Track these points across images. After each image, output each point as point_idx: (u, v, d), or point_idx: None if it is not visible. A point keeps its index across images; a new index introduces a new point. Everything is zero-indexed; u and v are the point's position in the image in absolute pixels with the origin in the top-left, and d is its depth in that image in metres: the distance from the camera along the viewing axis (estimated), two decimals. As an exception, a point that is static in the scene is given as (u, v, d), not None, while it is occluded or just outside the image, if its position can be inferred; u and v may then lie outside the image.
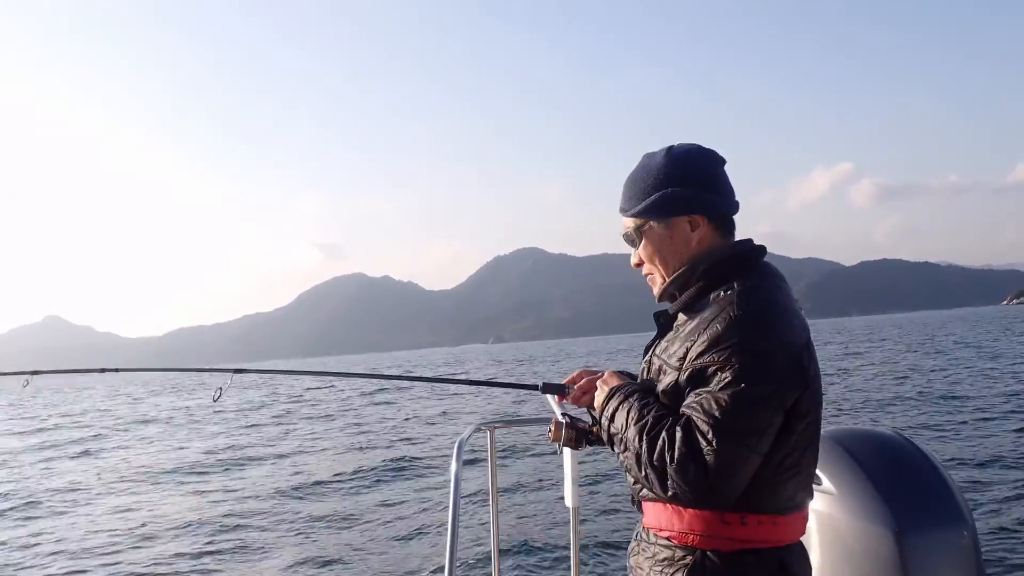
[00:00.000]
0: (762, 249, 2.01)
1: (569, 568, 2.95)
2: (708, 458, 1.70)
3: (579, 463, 2.93)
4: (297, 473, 11.40)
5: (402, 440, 13.37)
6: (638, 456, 1.81)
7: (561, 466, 2.93)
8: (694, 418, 1.74)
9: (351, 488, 10.02)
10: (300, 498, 9.96)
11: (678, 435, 1.74)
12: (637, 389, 1.98)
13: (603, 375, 2.15)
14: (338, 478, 10.88)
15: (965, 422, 14.37)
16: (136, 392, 55.47)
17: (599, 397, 2.06)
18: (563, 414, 2.33)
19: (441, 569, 2.60)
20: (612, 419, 1.95)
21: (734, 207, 2.04)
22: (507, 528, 8.00)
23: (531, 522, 8.34)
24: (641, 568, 1.98)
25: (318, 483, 10.70)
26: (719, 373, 1.75)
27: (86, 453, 18.56)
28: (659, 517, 1.92)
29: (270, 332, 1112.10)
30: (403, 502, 9.20)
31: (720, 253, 1.98)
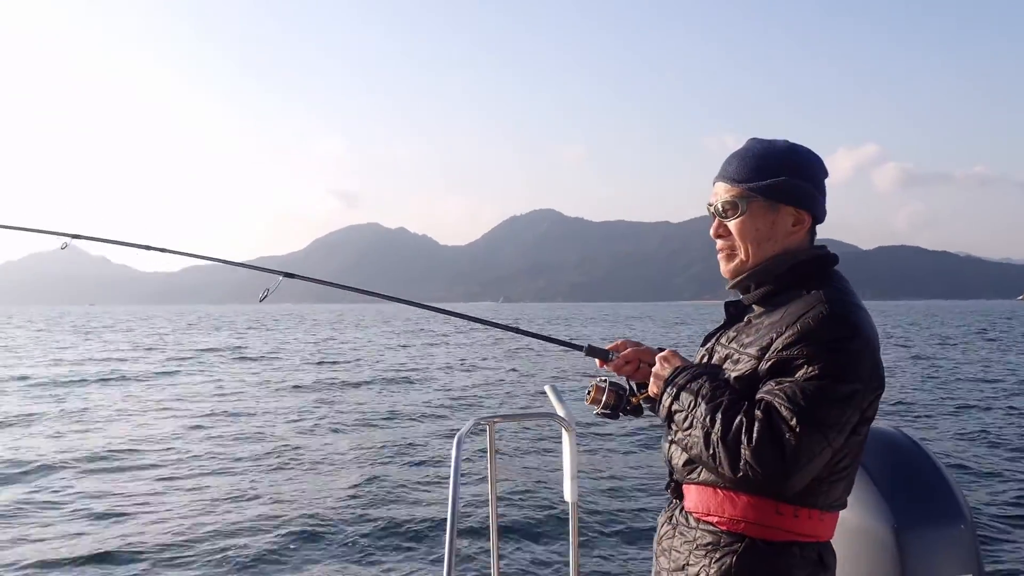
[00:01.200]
0: (836, 257, 2.03)
1: (568, 562, 2.95)
2: (788, 444, 1.71)
3: (578, 457, 2.93)
4: (288, 463, 11.36)
5: (401, 434, 13.42)
6: (707, 434, 1.80)
7: (560, 460, 2.91)
8: (776, 404, 1.74)
9: (347, 479, 10.00)
10: (290, 488, 9.83)
11: (758, 417, 1.74)
12: (705, 371, 1.97)
13: (663, 352, 2.12)
14: (332, 467, 10.85)
15: (964, 418, 14.40)
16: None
17: (663, 372, 2.03)
18: (602, 378, 2.32)
19: (440, 562, 2.62)
20: (677, 396, 1.93)
21: (825, 216, 2.07)
22: (506, 522, 7.99)
23: (530, 516, 8.28)
24: (677, 551, 1.98)
25: (308, 469, 10.64)
26: (807, 366, 1.75)
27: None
28: (707, 502, 1.92)
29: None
30: (401, 496, 9.18)
31: (808, 254, 1.99)
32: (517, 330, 2.71)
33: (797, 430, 1.70)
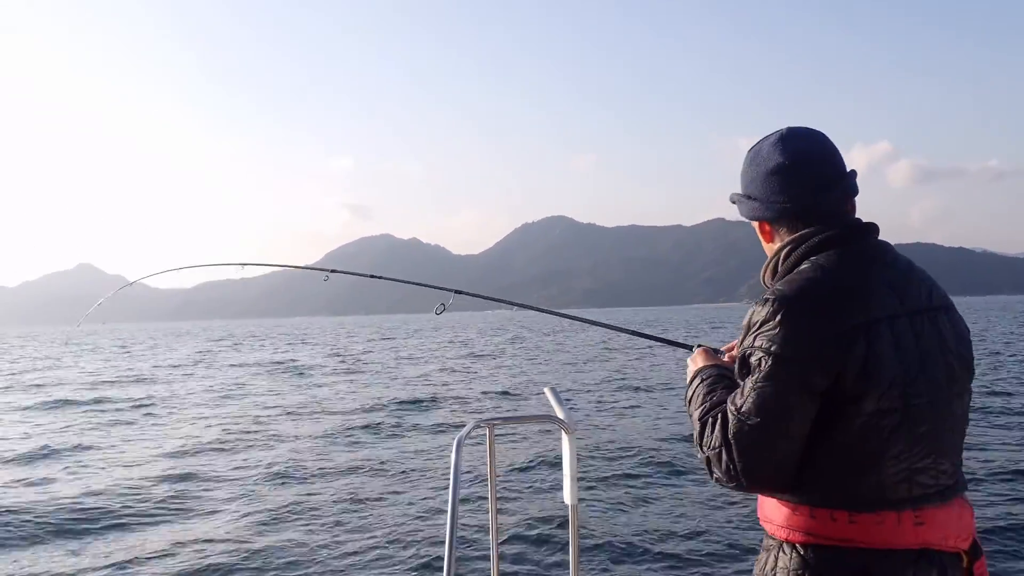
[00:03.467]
0: (823, 240, 1.89)
1: (568, 565, 2.95)
2: (736, 438, 1.75)
3: (578, 460, 2.93)
4: (288, 463, 11.33)
5: (401, 436, 13.38)
6: (697, 442, 1.87)
7: (560, 463, 2.92)
8: (729, 399, 1.81)
9: (347, 482, 9.96)
10: (291, 489, 9.80)
11: (718, 422, 1.80)
12: (713, 372, 2.01)
13: (698, 349, 2.19)
14: (332, 470, 10.81)
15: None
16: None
17: (688, 378, 2.09)
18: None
19: (440, 566, 2.61)
20: (690, 401, 1.99)
21: (794, 203, 2.04)
22: (506, 525, 7.98)
23: (530, 519, 8.26)
24: (760, 555, 2.01)
25: (309, 473, 10.60)
26: (750, 357, 1.78)
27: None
28: (762, 508, 1.95)
29: (297, 290, 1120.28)
30: (400, 498, 9.17)
31: (782, 249, 1.98)
32: (631, 331, 2.86)
33: (747, 422, 1.74)
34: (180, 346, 63.78)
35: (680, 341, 2.65)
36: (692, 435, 1.93)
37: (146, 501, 9.75)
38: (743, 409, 1.75)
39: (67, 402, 21.37)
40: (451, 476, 2.61)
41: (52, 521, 8.85)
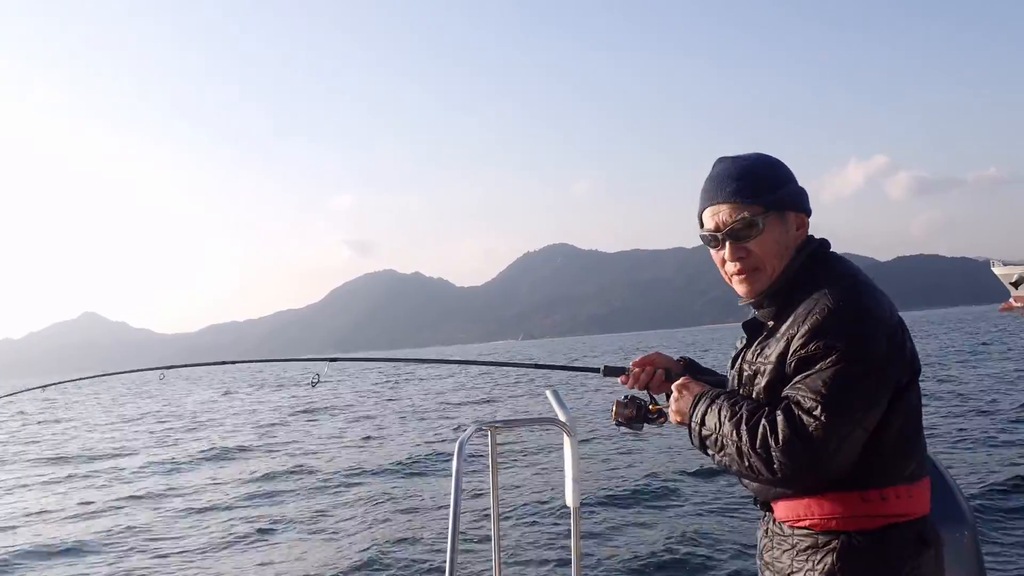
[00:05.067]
0: (827, 242, 2.10)
1: (570, 568, 2.96)
2: (815, 433, 1.77)
3: (580, 462, 2.95)
4: (295, 470, 11.33)
5: (403, 439, 13.34)
6: (739, 449, 1.87)
7: (562, 466, 2.94)
8: (799, 398, 1.82)
9: (350, 487, 9.96)
10: (296, 495, 9.83)
11: (779, 418, 1.82)
12: (722, 391, 2.05)
13: (679, 381, 2.18)
14: (337, 476, 10.81)
15: (966, 421, 14.07)
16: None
17: (683, 404, 2.11)
18: (625, 395, 2.42)
19: (442, 569, 2.62)
20: (703, 423, 2.00)
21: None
22: (508, 528, 7.98)
23: (532, 522, 8.29)
24: (779, 562, 2.00)
25: (315, 480, 10.61)
26: (823, 358, 1.82)
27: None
28: (796, 509, 1.95)
29: (302, 329, 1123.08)
30: (403, 502, 9.16)
31: (806, 251, 2.05)
32: (534, 365, 2.82)
33: (822, 418, 1.77)
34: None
35: (586, 367, 2.72)
36: (709, 443, 1.96)
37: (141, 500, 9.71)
38: (829, 398, 1.78)
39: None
40: (453, 479, 2.61)
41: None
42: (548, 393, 3.05)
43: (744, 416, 1.88)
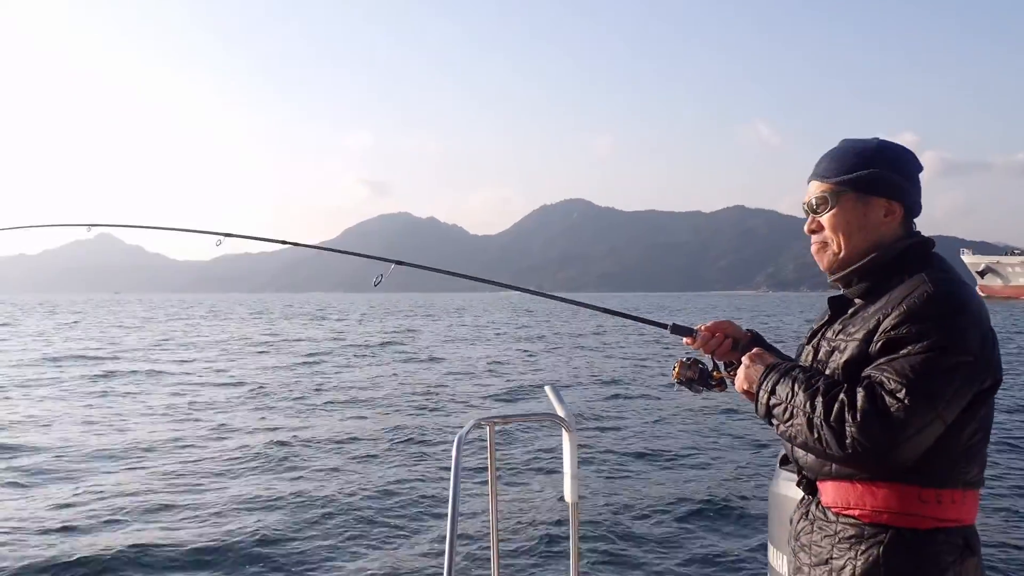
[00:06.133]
0: (933, 242, 2.09)
1: (569, 563, 2.99)
2: (896, 415, 1.76)
3: (579, 457, 2.96)
4: (284, 460, 11.25)
5: (400, 434, 13.33)
6: (810, 420, 1.86)
7: (561, 461, 2.94)
8: (883, 379, 1.81)
9: (346, 480, 9.91)
10: (287, 486, 9.75)
11: (860, 395, 1.80)
12: (796, 364, 2.06)
13: (752, 350, 2.19)
14: (332, 467, 10.77)
15: None
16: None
17: (754, 373, 2.10)
18: (688, 356, 2.41)
19: (440, 564, 2.63)
20: (773, 391, 2.00)
21: (920, 209, 2.14)
22: (506, 523, 7.98)
23: (531, 517, 8.23)
24: (819, 546, 1.99)
25: (308, 469, 10.56)
26: (914, 343, 1.81)
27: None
28: (846, 496, 1.94)
29: (314, 265, 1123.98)
30: (401, 496, 9.14)
31: (906, 242, 2.05)
32: (604, 309, 2.83)
33: (906, 401, 1.75)
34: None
35: (655, 320, 2.66)
36: (777, 412, 1.97)
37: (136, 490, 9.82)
38: (916, 384, 1.77)
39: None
40: (451, 474, 2.63)
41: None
42: (547, 388, 3.07)
43: (821, 388, 1.87)
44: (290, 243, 4.06)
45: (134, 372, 21.74)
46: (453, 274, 3.48)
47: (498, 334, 41.39)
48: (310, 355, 27.72)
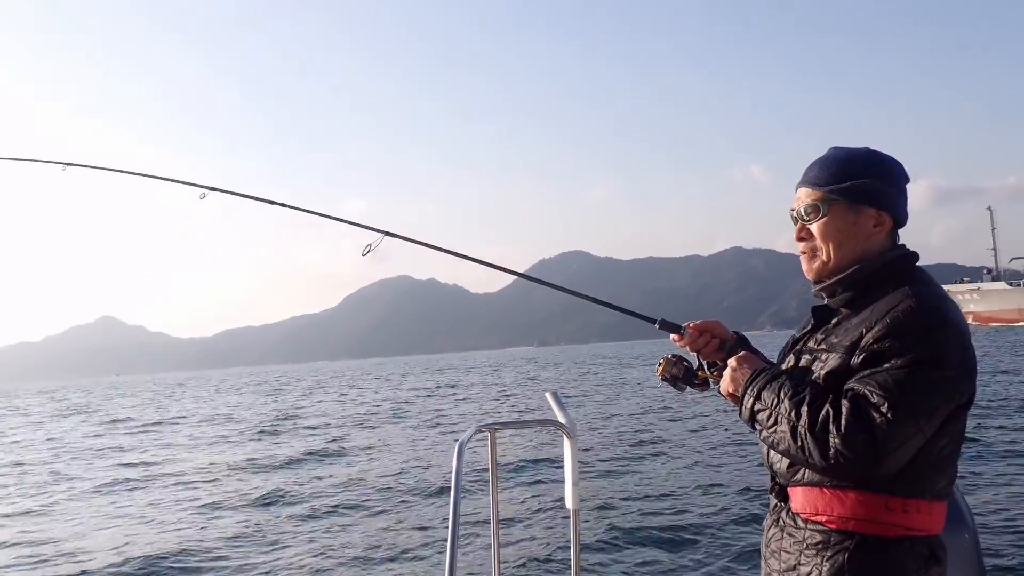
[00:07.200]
0: (917, 255, 2.11)
1: (570, 570, 2.99)
2: (879, 428, 1.77)
3: (580, 464, 2.94)
4: (288, 467, 11.20)
5: (403, 441, 13.24)
6: (794, 428, 1.86)
7: (561, 468, 2.92)
8: (867, 392, 1.81)
9: (349, 487, 9.87)
10: (292, 496, 9.71)
11: (845, 407, 1.81)
12: (783, 371, 2.06)
13: (739, 353, 2.18)
14: (334, 476, 10.72)
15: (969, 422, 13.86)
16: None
17: (740, 376, 2.09)
18: (674, 354, 2.41)
19: (442, 570, 2.61)
20: (758, 396, 1.99)
21: (906, 220, 2.14)
22: (507, 529, 7.97)
23: (532, 524, 8.30)
24: (787, 552, 2.00)
25: (312, 481, 10.52)
26: (897, 356, 1.82)
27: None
28: (815, 502, 1.95)
29: (317, 333, 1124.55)
30: (403, 503, 9.13)
31: (892, 255, 2.06)
32: (594, 299, 2.85)
33: (888, 415, 1.76)
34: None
35: (643, 314, 2.68)
36: (761, 417, 1.95)
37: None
38: (899, 399, 1.78)
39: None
40: (453, 481, 2.63)
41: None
42: (548, 395, 3.06)
43: (807, 398, 1.87)
44: (278, 203, 3.66)
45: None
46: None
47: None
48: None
